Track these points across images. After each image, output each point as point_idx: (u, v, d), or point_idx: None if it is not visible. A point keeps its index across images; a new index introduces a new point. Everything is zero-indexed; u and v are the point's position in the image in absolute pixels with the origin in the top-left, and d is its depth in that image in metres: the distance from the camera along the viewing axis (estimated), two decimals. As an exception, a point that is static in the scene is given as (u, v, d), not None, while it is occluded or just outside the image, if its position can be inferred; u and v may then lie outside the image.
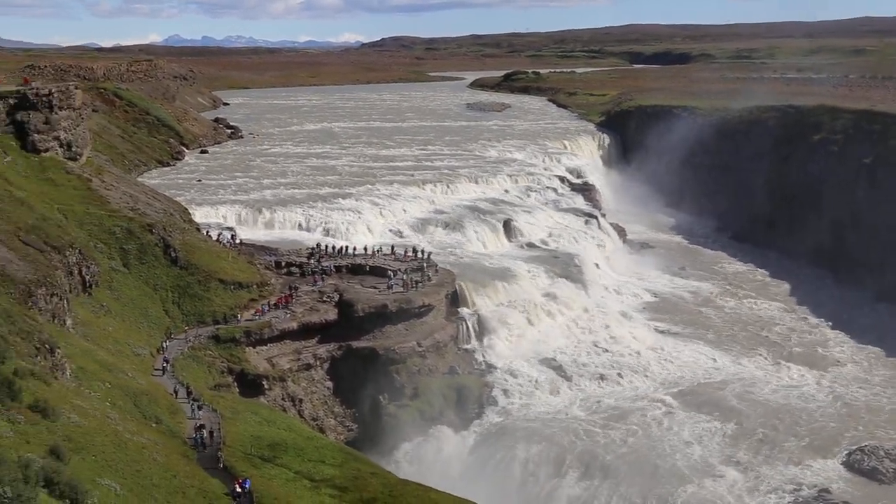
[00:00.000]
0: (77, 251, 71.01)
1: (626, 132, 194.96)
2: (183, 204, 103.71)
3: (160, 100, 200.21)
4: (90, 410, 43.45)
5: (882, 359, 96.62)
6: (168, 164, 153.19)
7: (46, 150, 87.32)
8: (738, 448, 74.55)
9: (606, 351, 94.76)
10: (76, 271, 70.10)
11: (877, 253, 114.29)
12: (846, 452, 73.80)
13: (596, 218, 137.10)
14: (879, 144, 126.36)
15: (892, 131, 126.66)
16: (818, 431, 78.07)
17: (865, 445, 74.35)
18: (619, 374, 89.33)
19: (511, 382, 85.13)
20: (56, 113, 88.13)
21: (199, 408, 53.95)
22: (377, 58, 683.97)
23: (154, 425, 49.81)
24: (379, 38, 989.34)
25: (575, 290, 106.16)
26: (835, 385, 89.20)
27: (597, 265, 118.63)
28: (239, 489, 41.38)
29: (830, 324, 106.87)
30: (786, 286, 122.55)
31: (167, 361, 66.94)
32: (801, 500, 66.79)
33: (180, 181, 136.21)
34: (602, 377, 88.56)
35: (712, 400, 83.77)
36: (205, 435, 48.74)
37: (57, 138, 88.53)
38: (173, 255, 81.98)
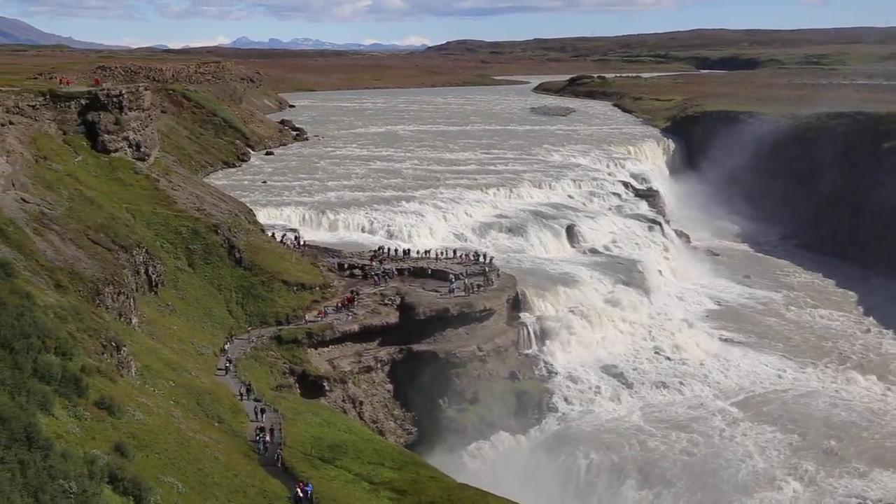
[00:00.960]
0: (144, 250, 72.10)
1: (691, 138, 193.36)
2: (248, 205, 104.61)
3: (227, 101, 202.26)
4: (154, 408, 44.02)
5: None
6: (234, 166, 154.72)
7: (116, 151, 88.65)
8: (801, 459, 73.46)
9: (668, 359, 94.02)
10: (143, 270, 71.18)
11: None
12: (913, 466, 72.44)
13: (660, 224, 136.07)
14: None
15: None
16: (884, 444, 76.67)
17: (933, 460, 72.99)
18: (681, 383, 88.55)
19: (572, 388, 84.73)
20: (126, 114, 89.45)
21: (262, 411, 54.19)
22: (442, 61, 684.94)
23: (216, 424, 50.36)
24: (444, 42, 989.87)
25: (637, 296, 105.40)
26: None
27: (660, 272, 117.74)
28: (301, 493, 41.52)
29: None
30: (853, 296, 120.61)
31: (230, 361, 67.61)
32: (865, 514, 65.77)
33: (246, 182, 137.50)
34: (664, 385, 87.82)
35: (776, 410, 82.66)
36: (266, 439, 48.99)
37: (126, 139, 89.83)
38: (238, 255, 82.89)
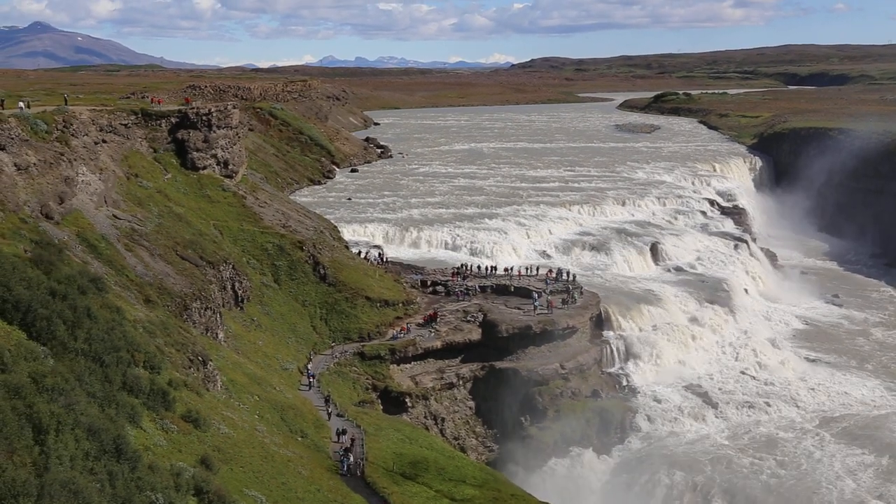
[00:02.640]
0: (230, 266, 73.25)
1: (779, 155, 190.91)
2: (333, 222, 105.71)
3: (313, 119, 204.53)
4: (239, 422, 44.66)
5: None
6: (319, 183, 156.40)
7: (204, 168, 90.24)
8: (893, 483, 71.70)
9: (754, 378, 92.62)
10: (229, 286, 72.30)
11: None
12: None
13: (746, 242, 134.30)
14: None
15: None
16: (979, 469, 74.57)
17: None
18: (767, 403, 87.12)
19: (655, 408, 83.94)
20: (214, 132, 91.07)
21: (343, 431, 54.18)
22: (527, 78, 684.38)
23: (300, 439, 50.88)
24: (528, 59, 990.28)
25: (723, 315, 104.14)
26: None
27: (746, 290, 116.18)
28: None
29: None
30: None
31: (313, 377, 68.22)
32: (958, 540, 64.05)
33: (331, 199, 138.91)
34: (749, 405, 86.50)
35: (866, 432, 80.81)
36: (351, 460, 49.01)
37: (214, 156, 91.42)
38: (322, 271, 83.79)
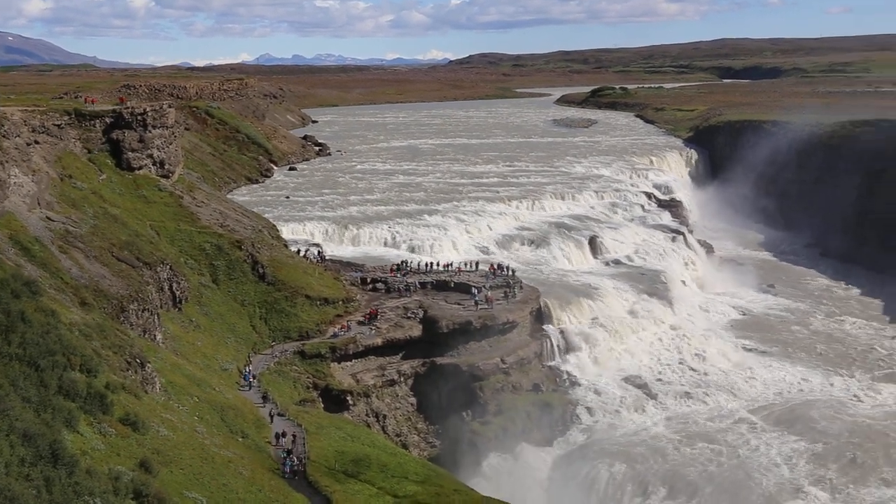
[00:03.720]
0: (168, 267, 72.65)
1: (714, 147, 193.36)
2: (271, 220, 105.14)
3: (250, 118, 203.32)
4: (178, 424, 44.38)
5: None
6: (257, 182, 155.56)
7: (140, 168, 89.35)
8: (827, 469, 72.95)
9: (693, 369, 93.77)
10: (167, 287, 71.72)
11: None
12: (941, 475, 71.89)
13: (683, 234, 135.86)
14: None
15: None
16: (911, 453, 76.20)
17: (961, 468, 72.47)
18: (706, 393, 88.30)
19: (595, 400, 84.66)
20: (150, 131, 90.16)
21: (283, 434, 53.75)
22: (464, 74, 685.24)
23: (240, 439, 50.65)
24: (466, 55, 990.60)
25: (661, 307, 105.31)
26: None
27: (683, 282, 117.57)
28: None
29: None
30: (878, 304, 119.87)
31: (253, 376, 67.90)
32: (892, 523, 65.36)
33: (269, 198, 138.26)
34: (688, 395, 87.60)
35: (801, 420, 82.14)
36: (295, 462, 48.78)
37: (150, 156, 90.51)
38: (261, 271, 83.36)
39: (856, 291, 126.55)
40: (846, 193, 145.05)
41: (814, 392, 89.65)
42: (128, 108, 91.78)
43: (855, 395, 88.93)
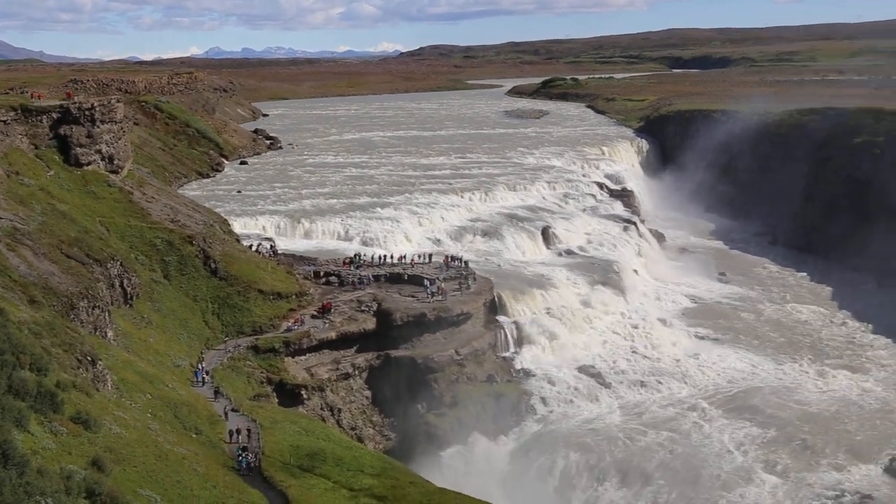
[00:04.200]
0: (118, 263, 71.91)
1: (664, 137, 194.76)
2: (223, 215, 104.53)
3: (200, 112, 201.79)
4: (131, 422, 44.00)
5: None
6: (208, 176, 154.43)
7: (89, 164, 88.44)
8: (779, 454, 74.01)
9: (646, 358, 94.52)
10: (118, 283, 71.01)
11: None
12: (889, 458, 72.96)
13: (635, 224, 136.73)
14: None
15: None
16: (860, 437, 77.33)
17: (908, 451, 73.69)
18: (659, 381, 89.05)
19: (549, 390, 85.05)
20: (98, 126, 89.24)
21: (238, 431, 53.39)
22: (415, 66, 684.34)
23: (194, 436, 50.34)
24: (417, 47, 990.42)
25: (614, 296, 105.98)
26: (877, 390, 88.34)
27: (636, 271, 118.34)
28: None
29: (872, 327, 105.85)
30: (827, 290, 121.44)
31: (207, 372, 67.48)
32: (842, 506, 66.26)
33: (220, 192, 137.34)
34: (641, 384, 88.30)
35: (753, 406, 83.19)
36: (250, 458, 48.48)
37: (99, 151, 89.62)
38: (213, 266, 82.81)
39: (805, 278, 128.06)
40: (795, 181, 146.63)
41: (765, 379, 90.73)
42: (75, 103, 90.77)
43: (804, 381, 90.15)
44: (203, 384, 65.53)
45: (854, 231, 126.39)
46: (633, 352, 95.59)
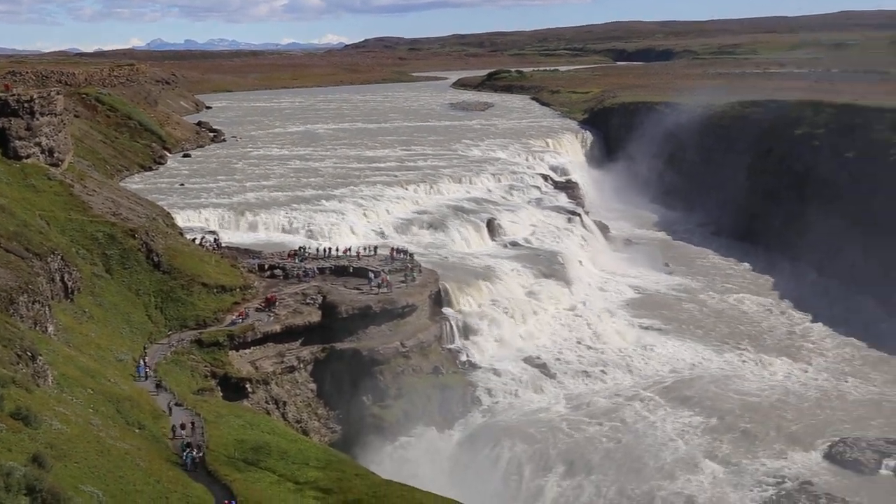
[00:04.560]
0: (59, 257, 70.91)
1: (609, 129, 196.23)
2: (165, 208, 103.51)
3: (142, 104, 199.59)
4: (72, 417, 43.47)
5: (864, 350, 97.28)
6: (150, 169, 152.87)
7: (28, 157, 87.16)
8: (721, 442, 74.93)
9: (590, 348, 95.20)
10: (58, 278, 70.01)
11: (859, 246, 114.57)
12: (828, 444, 74.20)
13: (579, 215, 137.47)
14: (861, 138, 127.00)
15: (874, 125, 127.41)
16: (800, 424, 78.54)
17: (847, 437, 74.89)
18: (603, 371, 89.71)
19: (495, 381, 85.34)
20: (37, 119, 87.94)
21: (182, 426, 52.78)
22: (360, 59, 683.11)
23: (137, 431, 49.82)
24: (362, 39, 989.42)
25: (558, 287, 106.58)
26: (817, 377, 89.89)
27: (580, 262, 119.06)
28: None
29: (812, 316, 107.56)
30: (769, 280, 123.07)
31: (150, 367, 66.77)
32: (783, 492, 67.08)
33: (163, 185, 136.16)
34: (586, 374, 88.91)
35: (695, 395, 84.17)
36: (194, 454, 47.98)
37: (38, 144, 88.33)
38: (156, 259, 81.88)
39: (747, 269, 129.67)
40: (737, 173, 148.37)
41: (707, 368, 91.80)
42: (14, 95, 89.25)
43: (746, 369, 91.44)
44: (146, 379, 64.84)
45: (795, 221, 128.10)
46: (578, 342, 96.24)
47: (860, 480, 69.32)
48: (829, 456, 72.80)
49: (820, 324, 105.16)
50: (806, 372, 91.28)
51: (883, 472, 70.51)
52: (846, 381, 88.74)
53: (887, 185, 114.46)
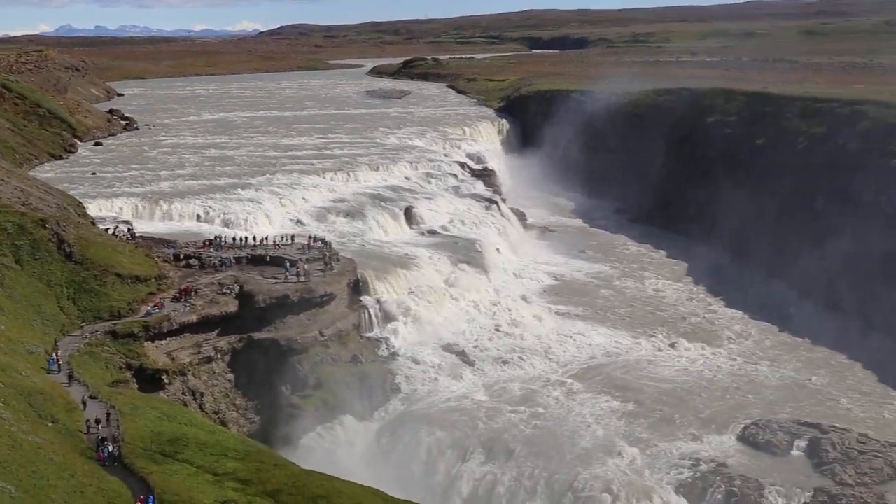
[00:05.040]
0: (-34, 249, 69.29)
1: (525, 117, 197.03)
2: (77, 198, 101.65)
3: (52, 92, 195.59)
4: (-18, 412, 42.61)
5: (775, 334, 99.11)
6: (61, 158, 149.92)
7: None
8: (637, 426, 75.74)
9: (508, 335, 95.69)
10: (-34, 269, 68.42)
11: (770, 232, 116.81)
12: (741, 427, 75.41)
13: (496, 203, 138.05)
14: (772, 126, 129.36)
15: (784, 113, 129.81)
16: (714, 407, 79.80)
17: (760, 419, 76.28)
18: (521, 358, 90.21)
19: (414, 369, 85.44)
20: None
21: (97, 421, 51.69)
22: (275, 46, 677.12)
23: (50, 424, 48.96)
24: (277, 27, 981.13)
25: (476, 275, 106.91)
26: (730, 361, 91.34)
27: (498, 250, 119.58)
28: None
29: (725, 302, 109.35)
30: (683, 266, 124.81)
31: (61, 359, 65.41)
32: (699, 474, 68.04)
33: (74, 174, 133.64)
34: (504, 361, 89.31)
35: (612, 380, 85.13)
36: (110, 449, 47.09)
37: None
38: (68, 250, 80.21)
39: (663, 255, 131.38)
40: (652, 160, 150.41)
41: (624, 354, 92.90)
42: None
43: (661, 355, 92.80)
44: (59, 371, 63.58)
45: (709, 208, 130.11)
46: (497, 330, 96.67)
47: (773, 461, 70.59)
48: (743, 438, 74.02)
49: (733, 309, 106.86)
50: (720, 357, 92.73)
51: (794, 452, 71.82)
52: (759, 366, 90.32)
53: (797, 172, 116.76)
